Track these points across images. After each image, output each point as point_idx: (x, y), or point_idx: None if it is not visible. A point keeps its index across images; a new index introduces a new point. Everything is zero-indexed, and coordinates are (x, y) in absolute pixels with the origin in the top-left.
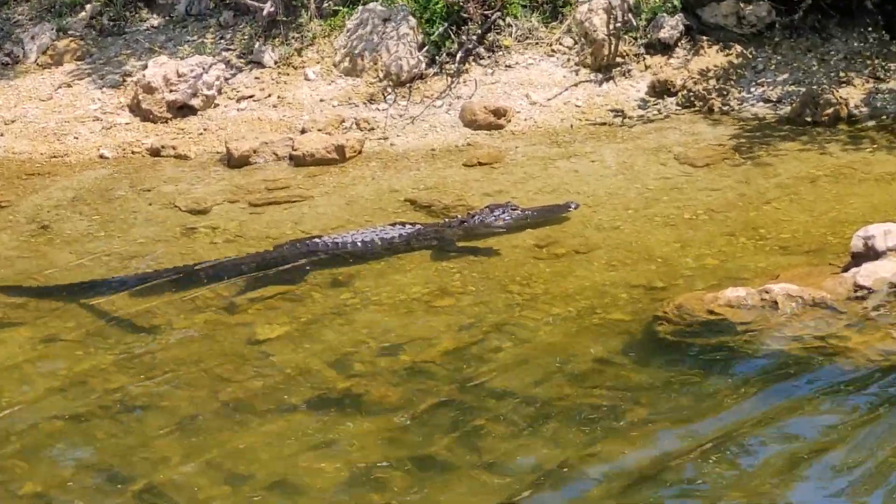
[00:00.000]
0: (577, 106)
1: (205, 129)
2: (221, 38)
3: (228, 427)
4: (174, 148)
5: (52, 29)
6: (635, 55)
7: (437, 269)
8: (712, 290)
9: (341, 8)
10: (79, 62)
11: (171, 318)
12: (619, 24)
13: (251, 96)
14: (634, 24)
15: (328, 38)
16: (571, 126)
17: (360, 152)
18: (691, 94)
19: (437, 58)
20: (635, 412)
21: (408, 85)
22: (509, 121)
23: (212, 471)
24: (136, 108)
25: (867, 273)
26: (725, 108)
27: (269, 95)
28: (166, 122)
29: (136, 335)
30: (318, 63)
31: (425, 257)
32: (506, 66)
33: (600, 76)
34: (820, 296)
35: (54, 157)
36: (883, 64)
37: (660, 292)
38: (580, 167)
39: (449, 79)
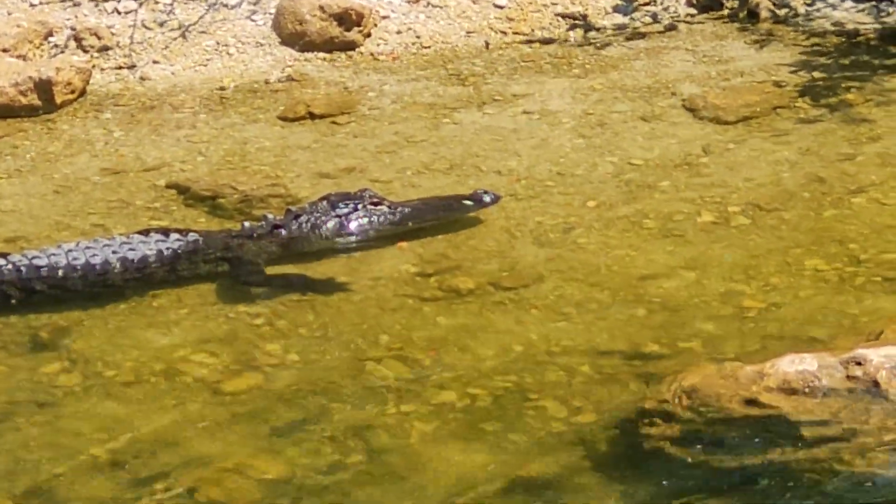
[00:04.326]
0: (497, 6)
1: None
2: None
3: None
4: None
5: None
6: None
7: (227, 318)
8: (754, 361)
9: None
10: None
11: None
12: None
13: None
14: None
15: None
16: (487, 45)
17: (83, 93)
18: None
19: None
20: None
21: None
22: (368, 34)
23: None
24: None
25: None
26: (782, 13)
27: None
28: None
29: None
30: None
31: (206, 295)
32: None
33: None
34: None
35: None
36: None
37: (653, 364)
38: (503, 123)
39: None
